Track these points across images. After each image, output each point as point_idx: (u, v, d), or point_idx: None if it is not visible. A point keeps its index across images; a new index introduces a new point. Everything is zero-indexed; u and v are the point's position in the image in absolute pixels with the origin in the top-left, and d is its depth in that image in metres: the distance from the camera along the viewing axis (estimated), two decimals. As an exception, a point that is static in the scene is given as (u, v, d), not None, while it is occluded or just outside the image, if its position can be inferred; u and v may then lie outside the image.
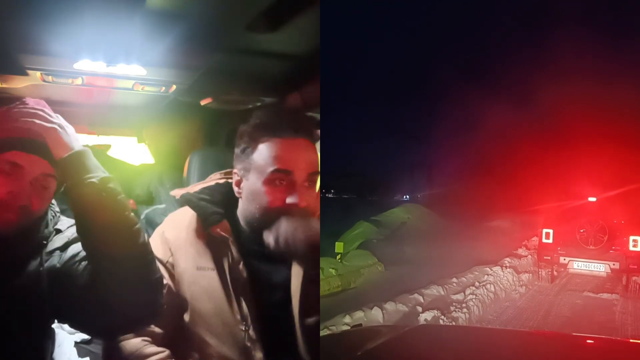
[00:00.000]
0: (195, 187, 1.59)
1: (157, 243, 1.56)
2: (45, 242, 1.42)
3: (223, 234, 1.50)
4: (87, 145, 3.30)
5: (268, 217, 1.44)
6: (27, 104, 1.36)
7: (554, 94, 17.28)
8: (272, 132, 1.44)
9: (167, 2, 1.50)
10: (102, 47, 1.75)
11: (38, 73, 2.01)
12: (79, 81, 2.11)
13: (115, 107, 2.79)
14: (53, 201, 1.51)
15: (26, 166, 1.32)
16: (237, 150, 1.51)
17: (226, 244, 1.50)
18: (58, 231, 1.46)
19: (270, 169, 1.42)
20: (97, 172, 1.29)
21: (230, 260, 1.50)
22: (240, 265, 1.50)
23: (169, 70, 2.05)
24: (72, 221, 1.46)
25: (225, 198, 1.57)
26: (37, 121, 1.31)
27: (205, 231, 1.52)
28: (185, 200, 1.55)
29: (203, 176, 1.78)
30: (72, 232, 1.44)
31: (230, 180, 1.60)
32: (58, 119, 1.35)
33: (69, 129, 1.35)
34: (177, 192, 1.58)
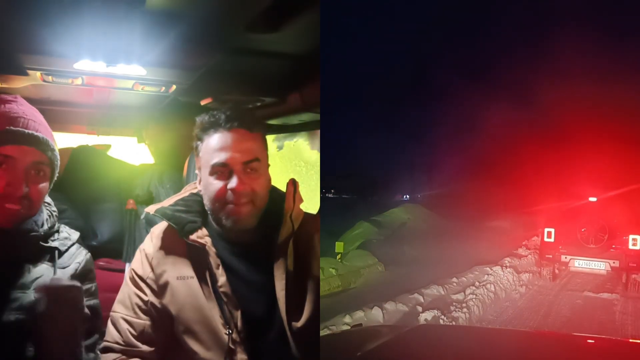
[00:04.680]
0: (170, 200, 1.63)
1: (138, 260, 1.59)
2: (42, 243, 1.42)
3: (200, 241, 1.53)
4: (86, 145, 3.28)
5: (216, 205, 1.51)
6: (16, 101, 1.39)
7: (554, 93, 17.29)
8: (211, 128, 1.53)
9: (167, 2, 1.50)
10: (102, 47, 1.75)
11: (38, 73, 2.01)
12: (79, 81, 2.11)
13: (115, 107, 2.78)
14: (50, 200, 1.51)
15: (18, 157, 1.34)
16: (195, 153, 1.59)
17: (204, 250, 1.52)
18: (60, 252, 1.46)
19: (211, 162, 1.51)
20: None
21: (209, 266, 1.52)
22: (220, 270, 1.51)
23: (169, 70, 2.04)
24: (79, 253, 1.51)
25: (201, 206, 1.61)
26: None
27: (182, 241, 1.54)
28: (161, 214, 1.57)
29: (203, 176, 1.78)
30: (75, 268, 1.46)
31: None
32: None
33: None
34: (152, 208, 1.61)
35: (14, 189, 1.33)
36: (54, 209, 1.52)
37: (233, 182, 1.48)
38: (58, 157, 1.47)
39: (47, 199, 1.52)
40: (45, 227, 1.45)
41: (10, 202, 1.33)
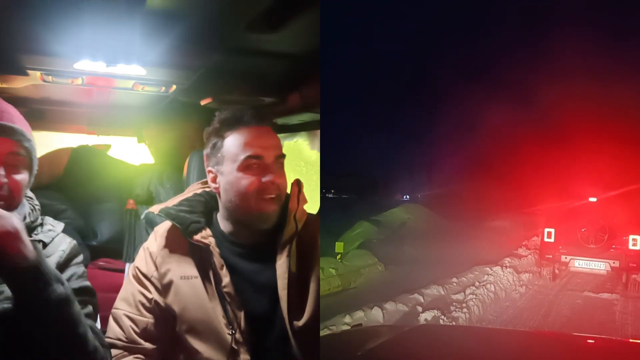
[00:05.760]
0: (174, 201, 1.63)
1: (142, 258, 1.59)
2: None
3: (204, 241, 1.52)
4: (86, 145, 3.27)
5: (247, 200, 1.50)
6: None
7: (554, 93, 17.29)
8: (237, 124, 1.52)
9: (167, 2, 1.50)
10: (102, 47, 1.75)
11: (38, 73, 2.01)
12: (79, 81, 2.11)
13: (115, 107, 2.79)
14: (31, 194, 1.51)
15: None
16: (207, 150, 1.57)
17: (208, 250, 1.52)
18: (45, 244, 1.44)
19: (243, 155, 1.49)
20: (56, 285, 1.27)
21: (213, 266, 1.52)
22: (223, 270, 1.51)
23: (169, 70, 2.05)
24: (63, 241, 1.49)
25: (205, 207, 1.61)
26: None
27: (186, 240, 1.54)
28: (165, 214, 1.57)
29: (203, 176, 1.78)
30: (59, 255, 1.45)
31: (207, 189, 1.64)
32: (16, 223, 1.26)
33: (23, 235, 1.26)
34: (156, 208, 1.61)
35: None
36: (37, 202, 1.51)
37: (269, 175, 1.48)
38: (35, 148, 1.45)
39: (29, 193, 1.51)
40: (28, 220, 1.44)
41: None
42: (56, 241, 1.48)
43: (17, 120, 1.41)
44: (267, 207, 1.49)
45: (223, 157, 1.52)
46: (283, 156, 1.54)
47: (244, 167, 1.49)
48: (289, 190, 1.62)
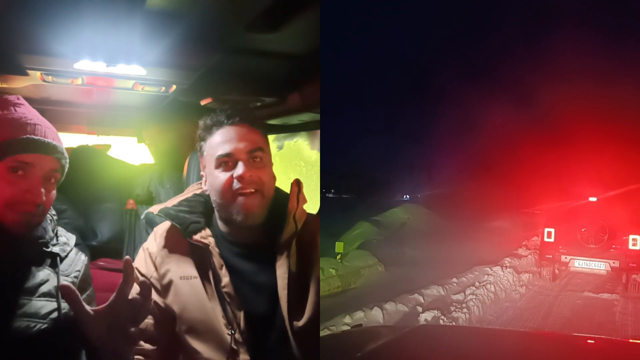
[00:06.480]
0: (173, 201, 1.64)
1: (142, 259, 1.60)
2: (45, 248, 1.43)
3: (203, 241, 1.53)
4: (86, 145, 3.26)
5: (225, 197, 1.51)
6: (24, 104, 1.40)
7: (554, 93, 17.29)
8: (214, 127, 1.57)
9: (167, 2, 1.49)
10: (102, 47, 1.75)
11: (38, 73, 2.01)
12: (79, 81, 2.10)
13: (115, 107, 2.79)
14: None
15: (37, 164, 1.36)
16: (199, 155, 1.62)
17: (207, 251, 1.52)
18: (60, 258, 1.45)
19: (216, 155, 1.53)
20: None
21: (212, 267, 1.52)
22: (223, 270, 1.51)
23: (169, 70, 2.04)
24: (78, 259, 1.51)
25: (204, 207, 1.63)
26: None
27: (185, 241, 1.55)
28: (164, 214, 1.58)
29: (203, 176, 1.78)
30: (75, 276, 1.46)
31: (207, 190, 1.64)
32: None
33: None
34: (155, 209, 1.62)
35: (33, 196, 1.34)
36: (54, 212, 1.53)
37: (239, 170, 1.49)
38: (68, 162, 1.48)
39: None
40: (51, 233, 1.46)
41: (28, 209, 1.34)
42: (71, 256, 1.50)
43: (56, 136, 1.45)
44: (245, 202, 1.49)
45: (205, 160, 1.57)
46: (259, 149, 1.54)
47: (218, 166, 1.52)
48: (288, 189, 1.62)
